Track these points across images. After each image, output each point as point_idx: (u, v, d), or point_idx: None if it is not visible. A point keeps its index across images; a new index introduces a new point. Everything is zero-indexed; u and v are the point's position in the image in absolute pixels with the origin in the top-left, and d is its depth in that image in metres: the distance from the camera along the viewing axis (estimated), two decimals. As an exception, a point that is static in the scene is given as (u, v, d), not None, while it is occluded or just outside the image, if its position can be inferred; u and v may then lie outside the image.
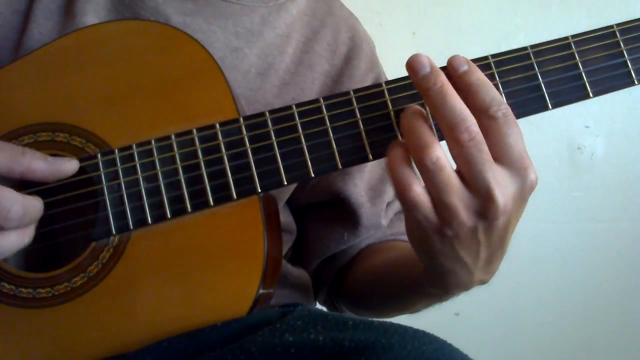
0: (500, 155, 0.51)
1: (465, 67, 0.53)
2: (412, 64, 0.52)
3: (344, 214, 0.80)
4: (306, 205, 0.82)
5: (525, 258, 1.49)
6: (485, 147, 0.50)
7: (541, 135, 1.49)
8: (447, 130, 0.51)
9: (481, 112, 0.51)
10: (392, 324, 0.51)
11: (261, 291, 0.56)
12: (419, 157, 0.50)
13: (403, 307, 0.73)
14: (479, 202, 0.50)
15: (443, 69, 0.54)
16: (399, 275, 0.70)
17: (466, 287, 0.59)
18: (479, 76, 0.53)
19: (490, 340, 1.60)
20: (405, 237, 0.83)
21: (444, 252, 0.54)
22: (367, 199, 0.79)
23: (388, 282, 0.72)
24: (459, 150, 0.50)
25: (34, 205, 0.53)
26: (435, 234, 0.52)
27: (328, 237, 0.81)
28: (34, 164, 0.53)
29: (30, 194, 0.54)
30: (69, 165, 0.56)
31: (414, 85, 0.53)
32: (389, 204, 0.83)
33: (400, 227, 0.84)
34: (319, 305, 0.89)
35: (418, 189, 0.50)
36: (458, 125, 0.50)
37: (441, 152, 0.50)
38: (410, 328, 0.50)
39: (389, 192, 0.81)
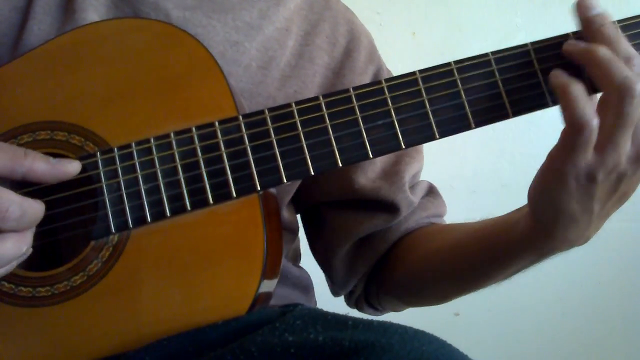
0: None
1: (599, 10, 0.56)
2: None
3: (368, 202, 0.78)
4: (322, 203, 0.81)
5: (525, 258, 1.49)
6: None
7: (541, 134, 1.49)
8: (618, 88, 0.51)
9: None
10: (392, 324, 0.51)
11: (261, 290, 0.56)
12: (629, 85, 0.51)
13: (484, 281, 0.70)
14: (635, 148, 0.53)
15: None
16: (485, 244, 0.68)
17: (574, 243, 0.59)
18: (614, 31, 0.55)
19: (490, 340, 1.60)
20: (437, 219, 0.81)
21: (581, 199, 0.54)
22: (383, 182, 0.77)
23: (471, 257, 0.70)
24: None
25: (33, 207, 0.52)
26: (584, 177, 0.53)
27: (359, 218, 0.78)
28: (36, 165, 0.53)
29: (32, 197, 0.53)
30: (71, 167, 0.56)
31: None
32: (412, 188, 0.81)
33: (433, 209, 0.82)
34: (320, 305, 0.88)
35: (596, 123, 0.51)
36: (632, 57, 0.52)
37: None
38: (410, 328, 0.50)
39: (407, 171, 0.79)
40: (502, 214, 0.68)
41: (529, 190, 0.58)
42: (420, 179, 0.84)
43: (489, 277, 0.69)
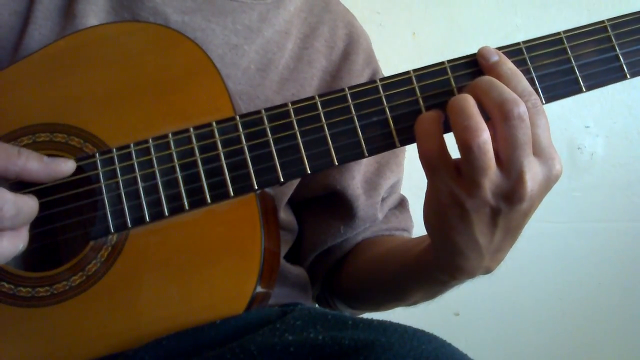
0: (535, 144, 0.52)
1: (495, 58, 0.56)
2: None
3: (340, 207, 0.80)
4: (304, 200, 0.83)
5: (525, 258, 1.49)
6: (528, 131, 0.51)
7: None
8: (498, 106, 0.51)
9: (524, 99, 0.52)
10: (391, 323, 0.51)
11: (258, 289, 0.56)
12: (466, 138, 0.50)
13: (403, 296, 0.73)
14: (508, 184, 0.52)
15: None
16: (401, 262, 0.70)
17: (473, 272, 0.59)
18: (510, 66, 0.55)
19: (490, 340, 1.60)
20: (400, 233, 0.83)
21: (460, 230, 0.54)
22: (363, 191, 0.80)
23: (389, 269, 0.72)
24: (502, 129, 0.51)
25: (27, 204, 0.52)
26: (456, 206, 0.53)
27: (324, 230, 0.81)
28: (29, 164, 0.53)
29: (25, 193, 0.53)
30: (65, 166, 0.56)
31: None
32: (384, 199, 0.83)
33: (395, 222, 0.84)
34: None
35: (438, 150, 0.52)
36: (512, 100, 0.51)
37: (489, 137, 0.51)
38: (410, 327, 0.50)
39: (385, 186, 0.82)
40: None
41: (423, 218, 0.59)
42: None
43: (405, 293, 0.71)
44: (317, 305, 0.90)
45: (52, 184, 0.57)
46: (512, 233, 0.56)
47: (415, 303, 0.74)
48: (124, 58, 0.62)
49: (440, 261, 0.60)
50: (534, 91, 0.54)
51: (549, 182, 0.53)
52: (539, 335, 1.61)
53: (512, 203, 0.52)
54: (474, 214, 0.53)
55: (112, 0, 0.73)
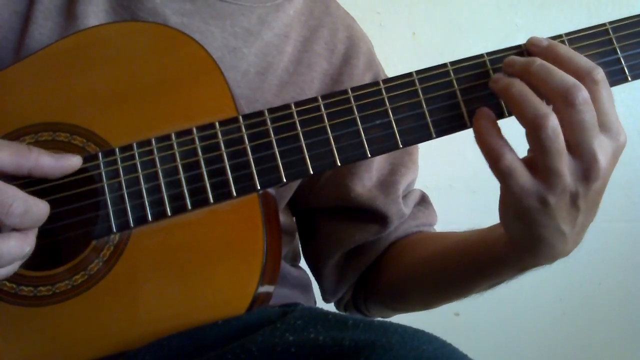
0: (600, 119, 0.53)
1: (546, 43, 0.56)
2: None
3: (362, 211, 0.79)
4: (316, 209, 0.82)
5: (525, 258, 1.49)
6: (594, 112, 0.52)
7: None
8: (562, 94, 0.52)
9: (583, 78, 0.53)
10: (392, 324, 0.51)
11: (260, 289, 0.56)
12: (537, 125, 0.51)
13: (466, 291, 0.72)
14: (582, 166, 0.52)
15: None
16: (469, 257, 0.69)
17: (554, 258, 0.59)
18: (564, 48, 0.56)
19: (490, 340, 1.60)
20: (428, 228, 0.82)
21: (546, 224, 0.55)
22: (379, 192, 0.79)
23: (453, 267, 0.71)
24: (569, 116, 0.51)
25: (37, 205, 0.52)
26: (536, 203, 0.53)
27: (351, 229, 0.80)
28: (41, 159, 0.54)
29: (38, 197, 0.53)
30: (74, 161, 0.57)
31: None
32: (406, 196, 0.82)
33: (423, 218, 0.83)
34: (318, 304, 0.88)
35: (509, 156, 0.53)
36: (575, 86, 0.52)
37: (557, 121, 0.51)
38: (410, 328, 0.50)
39: (402, 182, 0.81)
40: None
41: (500, 218, 0.59)
42: (417, 182, 0.85)
43: (470, 289, 0.71)
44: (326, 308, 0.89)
45: (55, 183, 0.57)
46: (591, 212, 0.56)
47: (469, 296, 0.73)
48: (127, 58, 0.62)
49: (524, 254, 0.60)
50: (595, 65, 0.54)
51: (616, 154, 0.54)
52: (539, 335, 1.61)
53: (588, 183, 0.53)
54: (557, 205, 0.53)
55: (111, 1, 0.73)
